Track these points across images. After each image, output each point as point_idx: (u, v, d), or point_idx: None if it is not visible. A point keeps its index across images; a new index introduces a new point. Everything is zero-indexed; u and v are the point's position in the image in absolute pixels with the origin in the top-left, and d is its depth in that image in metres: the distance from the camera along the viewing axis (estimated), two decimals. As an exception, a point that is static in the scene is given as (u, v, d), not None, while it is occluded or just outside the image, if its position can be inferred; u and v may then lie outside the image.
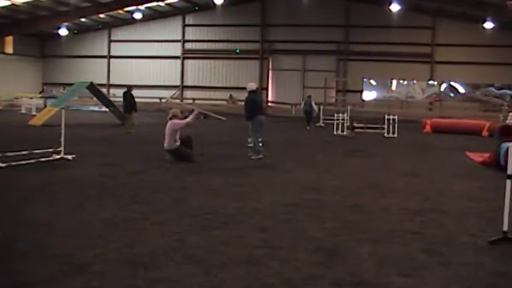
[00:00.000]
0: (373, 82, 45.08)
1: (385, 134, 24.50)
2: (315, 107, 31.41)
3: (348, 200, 9.49)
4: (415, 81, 44.27)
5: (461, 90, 43.81)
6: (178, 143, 14.15)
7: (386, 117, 25.08)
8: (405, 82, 44.79)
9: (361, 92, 45.35)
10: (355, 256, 6.19)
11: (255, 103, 15.59)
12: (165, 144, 14.20)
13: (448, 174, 13.22)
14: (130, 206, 8.52)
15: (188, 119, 14.39)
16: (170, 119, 14.42)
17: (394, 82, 45.01)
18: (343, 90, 46.26)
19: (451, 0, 37.63)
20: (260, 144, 15.75)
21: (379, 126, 25.77)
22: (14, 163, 12.32)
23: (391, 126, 24.69)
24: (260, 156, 15.31)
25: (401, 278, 5.52)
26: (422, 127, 28.89)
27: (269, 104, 45.75)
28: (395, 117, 24.93)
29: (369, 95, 45.46)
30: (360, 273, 5.60)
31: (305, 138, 23.05)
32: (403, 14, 41.41)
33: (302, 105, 32.87)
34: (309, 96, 32.79)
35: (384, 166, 14.61)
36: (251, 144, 15.80)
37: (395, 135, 24.21)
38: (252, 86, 15.92)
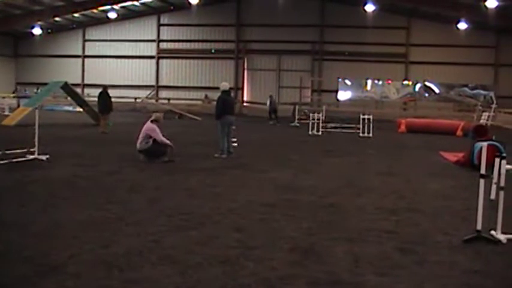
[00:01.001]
0: (348, 82, 45.31)
1: (361, 134, 24.63)
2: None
3: (324, 199, 9.52)
4: (390, 82, 44.56)
5: (436, 90, 44.23)
6: (150, 144, 14.03)
7: (361, 116, 25.23)
8: (380, 82, 45.08)
9: (336, 91, 45.55)
10: (331, 255, 6.21)
11: (226, 103, 15.82)
12: (138, 145, 14.12)
13: (422, 174, 13.33)
14: (105, 206, 8.46)
15: (167, 142, 14.18)
16: (151, 121, 14.34)
17: (369, 82, 45.27)
18: (318, 90, 46.42)
19: (426, 0, 37.94)
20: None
21: (353, 125, 25.89)
22: (-14, 164, 12.20)
23: (366, 126, 24.84)
24: (224, 155, 15.41)
25: (377, 276, 5.55)
26: (397, 127, 29.10)
27: (244, 103, 45.74)
28: (371, 117, 25.09)
29: (344, 95, 45.67)
30: (336, 272, 5.62)
31: (280, 138, 23.08)
32: (378, 14, 41.69)
33: (268, 104, 34.45)
34: (271, 96, 35.49)
35: (359, 166, 14.69)
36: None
37: (371, 134, 24.36)
38: (225, 85, 16.30)
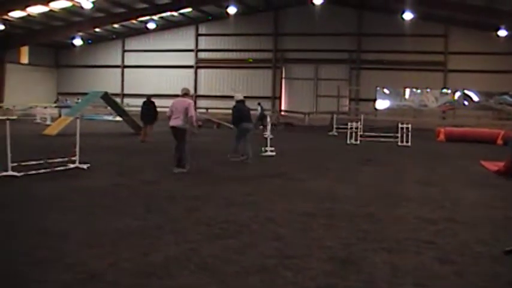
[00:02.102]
0: (386, 91, 44.96)
1: (399, 143, 24.42)
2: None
3: (362, 209, 9.46)
4: (428, 90, 44.08)
5: (475, 98, 43.57)
6: (186, 122, 13.96)
7: (399, 125, 25.01)
8: (418, 90, 44.62)
9: (374, 100, 45.22)
10: (369, 265, 6.17)
11: (241, 112, 16.63)
12: (176, 122, 13.92)
13: (462, 183, 13.16)
14: (144, 215, 8.55)
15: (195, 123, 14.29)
16: (183, 95, 14.33)
17: (408, 91, 44.85)
18: (356, 99, 46.15)
19: (464, 8, 37.47)
20: (247, 151, 16.44)
21: (392, 134, 25.67)
22: (29, 172, 12.43)
23: (404, 135, 24.62)
24: (236, 159, 16.23)
25: (416, 287, 5.50)
26: (436, 136, 28.77)
27: (282, 113, 45.73)
28: (409, 125, 24.85)
29: (382, 104, 45.33)
30: (374, 283, 5.59)
31: (318, 147, 23.02)
32: (415, 22, 41.27)
33: (259, 111, 34.79)
34: (259, 103, 36.34)
35: (397, 175, 14.55)
36: (245, 155, 16.46)
37: (409, 143, 24.13)
38: (239, 96, 17.11)
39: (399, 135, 24.83)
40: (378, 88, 44.69)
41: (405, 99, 45.15)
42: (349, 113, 44.01)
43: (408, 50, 42.94)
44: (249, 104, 17.84)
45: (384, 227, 8.11)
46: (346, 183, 12.67)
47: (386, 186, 12.27)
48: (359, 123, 26.73)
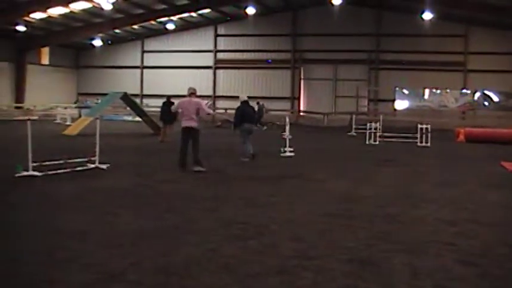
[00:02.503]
0: (405, 91, 44.72)
1: (418, 144, 24.30)
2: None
3: (382, 210, 9.42)
4: (448, 90, 43.78)
5: (495, 98, 43.22)
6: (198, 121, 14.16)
7: (419, 126, 24.88)
8: (438, 91, 44.35)
9: (393, 101, 45.00)
10: (389, 267, 6.14)
11: (244, 112, 17.17)
12: (191, 123, 14.01)
13: (482, 184, 13.05)
14: (164, 215, 8.58)
15: (212, 112, 14.40)
16: (190, 95, 14.35)
17: (427, 91, 44.59)
18: (375, 100, 45.95)
19: (484, 8, 37.15)
20: (250, 151, 16.87)
21: (411, 135, 25.53)
22: (49, 172, 12.53)
23: (424, 136, 24.48)
24: (247, 159, 16.59)
25: (437, 289, 5.47)
26: (455, 136, 28.58)
27: (301, 113, 45.67)
28: (429, 126, 24.71)
29: (401, 104, 45.10)
30: (394, 285, 5.56)
31: (337, 147, 22.97)
32: (435, 22, 41.00)
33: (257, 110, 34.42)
34: (258, 103, 36.30)
35: (417, 176, 14.47)
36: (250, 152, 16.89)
37: (429, 144, 23.99)
38: (244, 97, 17.72)
39: (418, 135, 24.69)
40: (397, 88, 44.47)
41: (424, 99, 44.88)
42: (368, 113, 43.84)
43: (427, 50, 42.68)
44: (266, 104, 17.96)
45: (403, 228, 8.07)
46: (365, 184, 12.63)
47: (405, 187, 12.21)
48: (378, 123, 26.61)
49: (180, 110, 14.38)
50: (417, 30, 41.76)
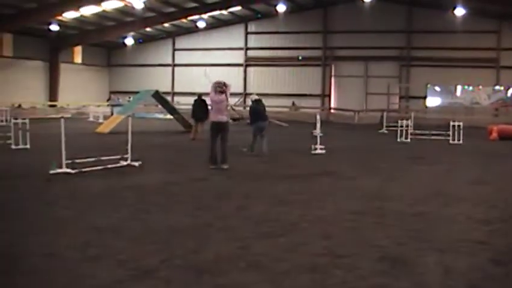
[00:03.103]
0: (437, 88, 44.27)
1: (450, 141, 24.03)
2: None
3: (413, 208, 9.36)
4: (480, 87, 43.22)
5: (530, 95, 42.56)
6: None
7: (451, 123, 24.60)
8: (470, 88, 43.81)
9: (425, 98, 44.58)
10: (420, 266, 6.09)
11: (257, 111, 17.95)
12: (222, 117, 14.21)
13: (516, 183, 12.88)
14: (195, 213, 8.65)
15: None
16: (220, 92, 14.45)
17: (459, 88, 44.09)
18: (406, 97, 45.57)
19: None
20: (264, 147, 17.55)
21: (443, 132, 25.25)
22: (82, 170, 12.70)
23: (456, 133, 24.20)
24: (248, 151, 17.50)
25: (469, 288, 5.42)
26: (488, 134, 28.20)
27: (332, 110, 45.51)
28: (461, 123, 24.41)
29: (432, 101, 44.66)
30: (426, 284, 5.53)
31: (368, 145, 22.82)
32: (467, 18, 40.52)
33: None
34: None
35: (449, 174, 14.32)
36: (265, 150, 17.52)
37: (461, 142, 23.72)
38: (254, 96, 18.71)
39: (451, 133, 24.42)
40: (429, 85, 44.05)
41: (456, 96, 44.40)
42: (399, 110, 43.48)
43: (459, 46, 42.10)
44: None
45: (435, 227, 8.00)
46: (396, 182, 12.55)
47: (437, 185, 12.10)
48: (409, 121, 26.37)
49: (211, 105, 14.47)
50: (449, 26, 41.28)
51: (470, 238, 7.35)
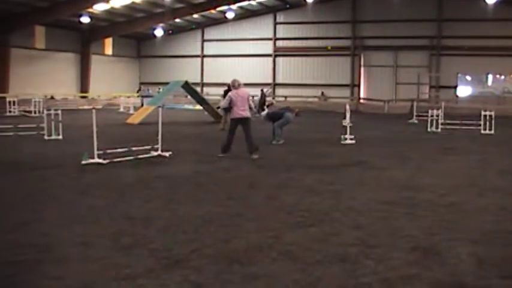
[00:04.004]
0: (467, 77, 43.75)
1: (482, 131, 23.74)
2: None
3: (444, 198, 9.27)
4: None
5: None
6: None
7: (482, 113, 24.29)
8: (502, 77, 43.20)
9: (455, 87, 44.12)
10: (453, 256, 6.04)
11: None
12: (246, 113, 14.34)
13: (550, 173, 12.67)
14: (225, 202, 8.68)
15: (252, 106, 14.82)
16: (238, 87, 14.59)
17: (490, 77, 43.50)
18: (436, 86, 45.12)
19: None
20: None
21: (474, 122, 24.94)
22: (114, 160, 12.83)
23: (487, 123, 23.89)
24: (281, 141, 17.75)
25: (503, 280, 5.35)
26: (521, 123, 27.78)
27: (361, 100, 45.27)
28: (492, 113, 24.09)
29: (463, 91, 44.16)
30: (459, 274, 5.47)
31: (398, 135, 22.66)
32: (498, 5, 39.94)
33: (258, 97, 34.83)
34: (262, 90, 36.68)
35: (481, 164, 14.13)
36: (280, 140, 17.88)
37: (493, 131, 23.42)
38: (269, 90, 17.95)
39: (482, 122, 24.11)
40: (459, 75, 43.55)
41: (488, 86, 43.84)
42: (430, 100, 43.07)
43: (491, 34, 41.48)
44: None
45: (467, 218, 7.92)
46: (427, 172, 12.44)
47: (469, 175, 11.97)
48: (439, 110, 26.08)
49: (234, 101, 14.45)
50: (480, 14, 40.77)
51: (503, 229, 7.26)
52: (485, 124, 23.76)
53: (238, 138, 14.64)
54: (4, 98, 34.92)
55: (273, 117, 18.36)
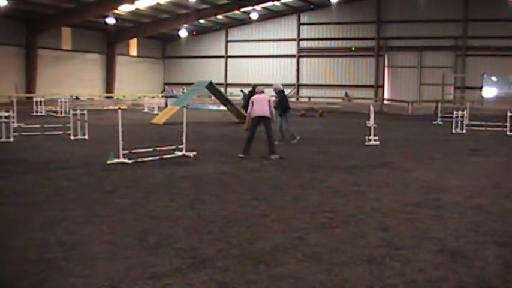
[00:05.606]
0: (493, 78, 43.30)
1: (508, 132, 23.49)
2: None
3: (470, 200, 9.20)
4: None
5: None
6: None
7: (508, 114, 24.02)
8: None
9: (481, 88, 43.68)
10: (480, 259, 6.00)
11: (285, 100, 18.23)
12: (266, 112, 14.41)
13: None
14: (250, 203, 8.70)
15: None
16: (260, 93, 14.88)
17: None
18: (461, 87, 44.70)
19: None
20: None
21: (500, 123, 24.68)
22: (139, 160, 12.93)
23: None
24: (296, 139, 18.01)
25: (531, 283, 5.31)
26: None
27: (385, 101, 45.03)
28: (519, 114, 23.80)
29: (489, 92, 43.71)
30: (486, 277, 5.43)
31: (423, 136, 22.49)
32: (526, 6, 39.47)
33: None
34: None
35: (507, 165, 14.00)
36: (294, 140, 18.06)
37: (519, 133, 23.16)
38: (280, 87, 18.51)
39: (508, 124, 23.85)
40: (485, 75, 43.10)
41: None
42: (454, 101, 42.68)
43: (518, 35, 40.98)
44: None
45: (494, 220, 7.86)
46: (452, 174, 12.34)
47: (495, 177, 11.86)
48: (465, 111, 25.86)
49: (252, 104, 14.63)
50: (506, 14, 40.28)
51: (531, 231, 7.20)
52: (511, 125, 23.50)
53: (258, 139, 14.67)
54: (31, 98, 35.38)
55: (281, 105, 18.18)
